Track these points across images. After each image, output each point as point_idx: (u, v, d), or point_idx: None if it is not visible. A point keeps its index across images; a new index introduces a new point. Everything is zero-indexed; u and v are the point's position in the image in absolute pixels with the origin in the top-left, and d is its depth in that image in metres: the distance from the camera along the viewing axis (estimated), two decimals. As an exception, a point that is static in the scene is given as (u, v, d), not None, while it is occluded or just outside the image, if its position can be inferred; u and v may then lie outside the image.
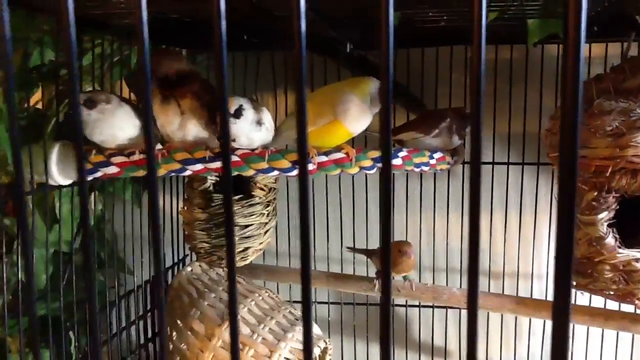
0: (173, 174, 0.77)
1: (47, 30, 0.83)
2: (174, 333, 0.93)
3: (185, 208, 1.02)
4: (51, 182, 0.77)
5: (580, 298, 0.98)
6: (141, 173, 0.76)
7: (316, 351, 0.94)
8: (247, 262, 1.04)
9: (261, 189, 1.03)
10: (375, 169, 0.78)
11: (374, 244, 1.14)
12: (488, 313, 1.09)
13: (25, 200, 0.84)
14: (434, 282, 1.13)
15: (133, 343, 1.07)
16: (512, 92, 1.05)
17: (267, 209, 1.05)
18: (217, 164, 0.75)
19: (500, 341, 1.15)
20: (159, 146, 0.83)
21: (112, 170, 0.76)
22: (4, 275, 0.77)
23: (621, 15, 0.82)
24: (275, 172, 0.75)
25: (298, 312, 0.97)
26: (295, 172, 0.76)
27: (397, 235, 1.12)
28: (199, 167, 0.76)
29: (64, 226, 0.88)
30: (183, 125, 0.76)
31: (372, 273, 1.05)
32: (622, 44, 0.94)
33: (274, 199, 1.08)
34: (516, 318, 1.12)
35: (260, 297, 0.95)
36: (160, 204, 1.17)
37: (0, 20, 0.19)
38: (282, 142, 0.85)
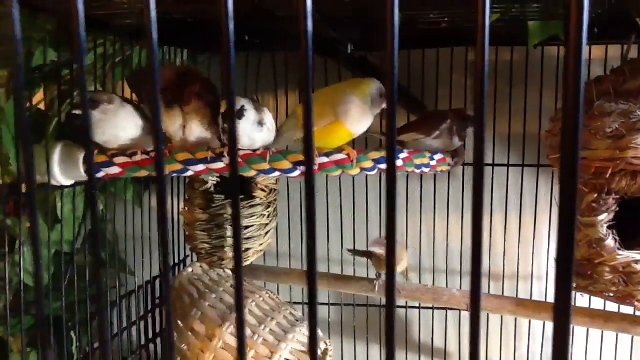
0: (175, 174, 0.77)
1: (50, 30, 0.83)
2: (175, 334, 0.94)
3: (186, 209, 1.02)
4: (53, 183, 0.78)
5: (580, 300, 0.98)
6: (143, 173, 0.76)
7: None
8: (248, 263, 1.04)
9: (262, 190, 1.03)
10: (376, 170, 0.78)
11: (375, 245, 1.14)
12: (488, 314, 1.10)
13: (27, 200, 0.84)
14: (434, 284, 1.13)
15: (134, 343, 1.08)
16: (512, 94, 1.06)
17: (268, 210, 1.05)
18: (219, 165, 0.75)
19: (500, 343, 1.15)
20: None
21: (115, 170, 0.76)
22: (7, 275, 0.77)
23: (621, 17, 0.82)
24: (277, 173, 0.76)
25: (298, 314, 0.97)
26: (296, 174, 0.76)
27: (397, 236, 1.12)
28: (200, 167, 0.76)
29: (66, 226, 0.89)
30: (186, 126, 0.76)
31: (373, 274, 1.05)
32: (622, 46, 0.94)
33: (275, 200, 1.09)
34: (516, 319, 1.13)
35: (261, 298, 0.96)
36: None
37: (11, 21, 0.19)
38: (283, 143, 0.86)
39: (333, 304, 1.20)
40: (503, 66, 1.05)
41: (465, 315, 1.14)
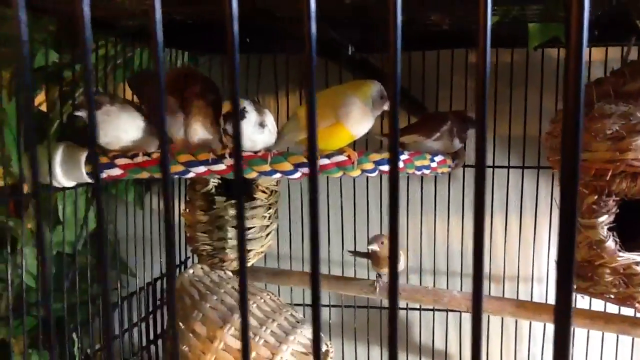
0: (176, 176, 0.77)
1: (52, 31, 0.83)
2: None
3: (187, 210, 1.02)
4: (55, 184, 0.78)
5: (581, 301, 0.98)
6: (145, 175, 0.76)
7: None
8: (249, 264, 1.04)
9: (263, 191, 1.03)
10: (376, 172, 0.78)
11: (375, 246, 1.14)
12: (489, 316, 1.10)
13: (28, 200, 0.84)
14: (434, 285, 1.13)
15: (135, 345, 1.08)
16: (512, 96, 1.06)
17: (269, 211, 1.06)
18: (221, 166, 0.76)
19: (501, 344, 1.15)
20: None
21: (116, 172, 0.76)
22: (8, 276, 0.78)
23: (621, 19, 0.82)
24: (278, 175, 0.76)
25: (299, 315, 0.97)
26: (297, 175, 0.76)
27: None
28: (202, 169, 0.76)
29: (67, 228, 0.89)
30: (188, 127, 0.77)
31: (373, 276, 1.06)
32: (622, 48, 0.94)
33: (276, 201, 1.09)
34: (516, 321, 1.13)
35: (262, 300, 0.96)
36: (162, 206, 1.17)
37: (18, 24, 0.19)
38: (284, 144, 0.86)
39: (334, 306, 1.20)
40: (503, 68, 1.05)
41: (466, 317, 1.14)
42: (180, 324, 0.93)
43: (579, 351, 1.09)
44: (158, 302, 1.11)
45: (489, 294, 1.11)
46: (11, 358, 0.81)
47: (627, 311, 0.94)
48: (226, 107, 0.74)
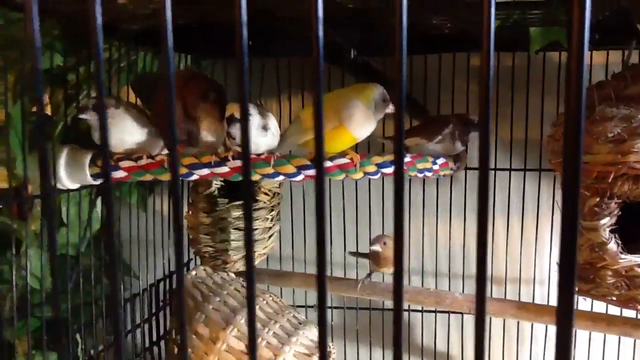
0: (180, 178, 0.78)
1: (57, 35, 0.84)
2: (179, 336, 0.94)
3: (190, 212, 1.03)
4: (59, 186, 0.78)
5: (583, 303, 0.99)
6: (149, 177, 0.77)
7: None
8: (251, 266, 1.05)
9: (265, 193, 1.04)
10: (379, 175, 0.78)
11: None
12: (490, 318, 1.10)
13: (32, 203, 0.85)
14: (436, 287, 1.13)
15: (138, 346, 1.08)
16: (514, 99, 1.06)
17: (271, 213, 1.06)
18: (224, 169, 0.76)
19: (503, 346, 1.16)
20: (164, 151, 0.84)
21: (120, 174, 0.77)
22: (13, 278, 0.78)
23: (622, 23, 0.83)
24: (281, 177, 0.76)
25: (302, 317, 0.97)
26: (300, 178, 0.76)
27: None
28: (205, 171, 0.76)
29: (71, 230, 0.89)
30: (195, 128, 0.77)
31: (374, 277, 1.06)
32: (624, 51, 0.95)
33: (278, 203, 1.09)
34: (518, 323, 1.13)
35: (264, 302, 0.96)
36: (165, 208, 1.18)
37: (30, 29, 0.20)
38: (286, 147, 0.86)
39: (336, 307, 1.21)
40: (505, 71, 1.06)
41: (468, 319, 1.14)
42: (183, 325, 0.93)
43: (581, 353, 1.09)
44: (161, 304, 1.12)
45: (491, 295, 1.12)
46: (15, 359, 0.82)
47: (629, 313, 0.94)
48: (229, 110, 0.74)
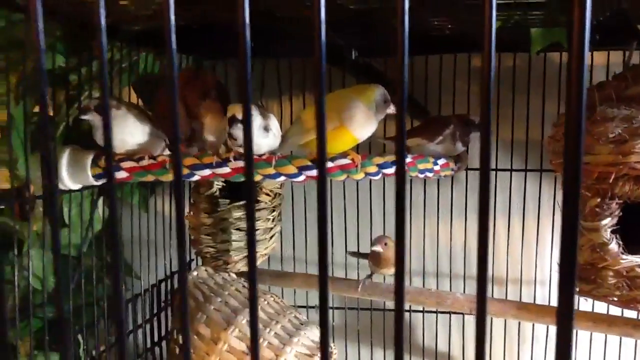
0: (182, 178, 0.78)
1: (59, 36, 0.84)
2: (180, 336, 0.94)
3: (191, 213, 1.03)
4: (61, 187, 0.79)
5: (584, 304, 0.99)
6: (150, 178, 0.77)
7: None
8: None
9: (267, 194, 1.04)
10: (380, 175, 0.79)
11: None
12: (491, 318, 1.10)
13: (34, 203, 0.85)
14: (437, 288, 1.13)
15: (140, 347, 1.08)
16: (515, 100, 1.06)
17: (273, 214, 1.06)
18: (225, 169, 0.76)
19: (504, 346, 1.16)
20: (166, 152, 0.84)
21: (122, 175, 0.77)
22: (15, 278, 0.78)
23: (623, 24, 0.83)
24: (282, 178, 0.76)
25: (303, 317, 0.97)
26: (301, 178, 0.77)
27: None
28: (207, 172, 0.77)
29: (73, 230, 0.89)
30: (199, 126, 0.77)
31: (375, 277, 1.06)
32: (624, 52, 0.95)
33: (279, 204, 1.09)
34: (519, 323, 1.13)
35: (266, 302, 0.96)
36: (166, 208, 1.18)
37: (36, 33, 0.20)
38: (288, 148, 0.87)
39: (337, 308, 1.21)
40: (506, 72, 1.06)
41: (469, 319, 1.14)
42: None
43: (582, 354, 1.09)
44: (162, 304, 1.12)
45: (492, 296, 1.12)
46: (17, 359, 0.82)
47: (630, 314, 0.94)
48: (231, 110, 0.74)
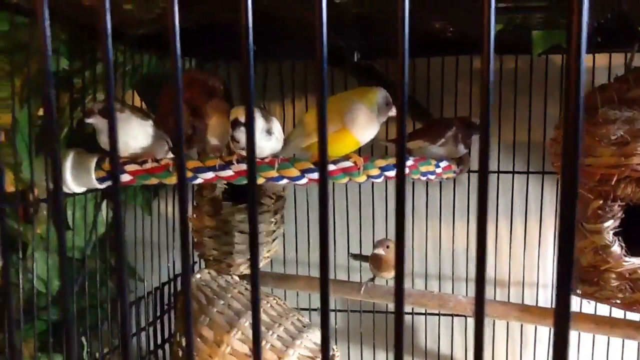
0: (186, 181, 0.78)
1: (63, 39, 0.85)
2: (183, 339, 0.94)
3: (195, 215, 1.03)
4: (65, 190, 0.79)
5: (586, 306, 0.98)
6: (154, 181, 0.77)
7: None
8: (255, 269, 1.05)
9: (269, 197, 1.04)
10: (382, 178, 0.79)
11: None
12: (494, 321, 1.10)
13: (38, 206, 0.85)
14: (440, 290, 1.13)
15: (143, 349, 1.09)
16: (517, 102, 1.06)
17: (275, 216, 1.07)
18: (228, 172, 0.76)
19: (506, 349, 1.16)
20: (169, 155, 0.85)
21: (126, 178, 0.77)
22: (20, 281, 0.79)
23: (624, 26, 0.83)
24: (285, 181, 0.77)
25: (306, 319, 0.98)
26: (303, 181, 0.77)
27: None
28: (209, 175, 0.77)
29: (77, 233, 0.90)
30: (204, 128, 0.78)
31: (377, 280, 1.06)
32: (626, 54, 0.95)
33: (282, 207, 1.10)
34: (522, 326, 1.13)
35: (268, 304, 0.96)
36: (169, 211, 1.18)
37: (43, 37, 0.20)
38: (290, 151, 0.87)
39: (339, 310, 1.21)
40: (507, 74, 1.06)
41: (472, 322, 1.13)
42: (188, 328, 0.93)
43: (585, 356, 1.09)
44: (166, 307, 1.12)
45: (495, 298, 1.12)
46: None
47: (633, 316, 0.94)
48: (234, 113, 0.75)
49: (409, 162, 0.82)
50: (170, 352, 1.10)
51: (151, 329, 1.08)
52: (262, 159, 0.77)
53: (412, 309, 1.14)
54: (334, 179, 0.78)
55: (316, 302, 1.18)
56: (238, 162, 0.76)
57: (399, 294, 0.26)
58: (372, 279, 1.04)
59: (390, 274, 0.98)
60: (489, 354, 1.15)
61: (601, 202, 0.85)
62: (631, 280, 0.85)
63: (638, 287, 0.84)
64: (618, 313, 0.96)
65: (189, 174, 0.77)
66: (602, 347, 1.08)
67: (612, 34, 0.86)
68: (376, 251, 0.96)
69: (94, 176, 0.78)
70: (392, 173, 0.77)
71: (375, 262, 0.99)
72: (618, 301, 0.86)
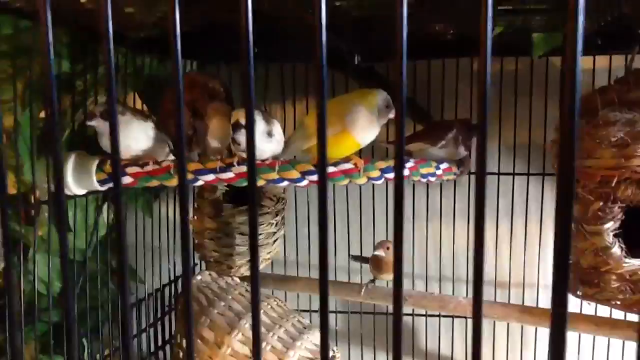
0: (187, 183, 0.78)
1: (65, 42, 0.85)
2: (184, 340, 0.94)
3: (195, 217, 1.03)
4: (66, 192, 0.79)
5: (587, 307, 0.98)
6: (155, 183, 0.78)
7: None
8: (256, 270, 1.05)
9: (270, 199, 1.04)
10: (383, 180, 0.79)
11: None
12: (494, 322, 1.10)
13: (39, 208, 0.86)
14: (440, 292, 1.14)
15: (144, 351, 1.09)
16: (517, 104, 1.07)
17: (276, 218, 1.07)
18: (229, 175, 0.77)
19: (507, 350, 1.16)
20: (170, 157, 0.85)
21: (127, 180, 0.77)
22: (21, 282, 0.79)
23: (625, 28, 0.83)
24: (285, 183, 0.77)
25: (306, 321, 0.98)
26: (304, 183, 0.77)
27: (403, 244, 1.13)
28: (210, 177, 0.77)
29: (77, 235, 0.90)
30: (205, 130, 0.78)
31: (377, 281, 1.06)
32: (626, 56, 0.95)
33: (283, 208, 1.10)
34: (522, 327, 1.13)
35: (269, 306, 0.96)
36: (170, 213, 1.19)
37: (46, 43, 0.21)
38: (291, 153, 0.87)
39: (340, 312, 1.21)
40: (508, 76, 1.06)
41: (472, 323, 1.14)
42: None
43: (585, 357, 1.09)
44: (166, 309, 1.12)
45: (495, 299, 1.12)
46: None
47: (633, 317, 0.94)
48: (235, 116, 0.75)
49: (410, 164, 0.82)
50: (171, 353, 1.11)
51: (152, 331, 1.08)
52: (263, 161, 0.78)
53: (413, 310, 1.14)
54: (334, 181, 0.78)
55: (316, 304, 1.18)
56: (239, 164, 0.76)
57: (397, 294, 0.26)
58: (373, 281, 1.04)
59: (391, 275, 0.98)
60: (489, 355, 1.15)
61: (601, 203, 0.85)
62: (631, 282, 0.85)
63: (638, 289, 0.84)
64: (618, 314, 0.96)
65: (190, 176, 0.77)
66: (603, 349, 1.08)
67: (612, 36, 0.86)
68: (376, 253, 0.96)
69: (95, 178, 0.78)
70: (392, 175, 0.78)
71: (376, 263, 0.99)
72: (618, 302, 0.87)
